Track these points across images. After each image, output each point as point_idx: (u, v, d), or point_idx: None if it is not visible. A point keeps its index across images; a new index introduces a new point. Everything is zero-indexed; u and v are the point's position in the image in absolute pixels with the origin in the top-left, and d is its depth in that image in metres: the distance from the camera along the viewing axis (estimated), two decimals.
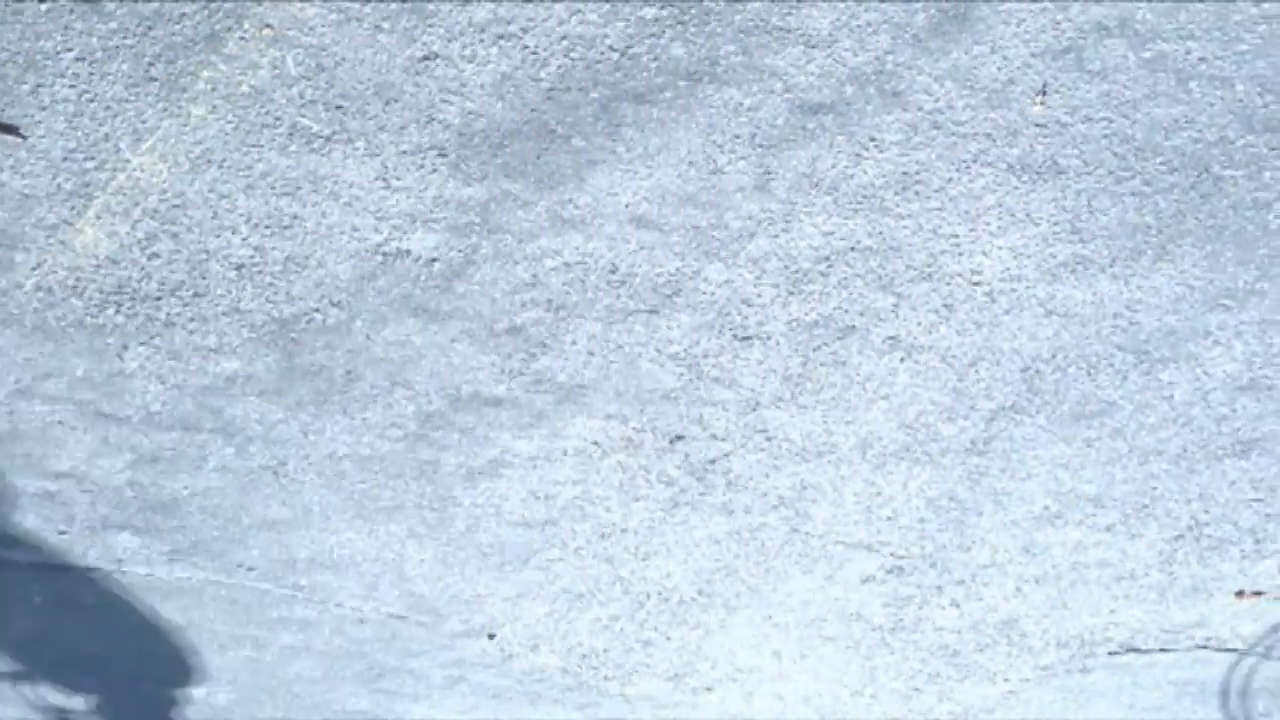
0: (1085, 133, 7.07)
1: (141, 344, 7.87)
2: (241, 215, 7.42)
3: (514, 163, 7.25)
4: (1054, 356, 7.86)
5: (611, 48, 6.90)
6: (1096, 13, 6.70)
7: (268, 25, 6.85)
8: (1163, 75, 6.88)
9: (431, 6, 6.77)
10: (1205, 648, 9.21)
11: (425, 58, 6.93)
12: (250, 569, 9.08)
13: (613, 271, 7.62)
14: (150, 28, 6.83)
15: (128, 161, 7.22)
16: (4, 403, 8.18)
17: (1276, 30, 6.69)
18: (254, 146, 7.20)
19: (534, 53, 6.90)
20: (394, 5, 6.77)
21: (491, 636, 9.44)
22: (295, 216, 7.43)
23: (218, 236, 7.49)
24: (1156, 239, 7.38)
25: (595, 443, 8.35)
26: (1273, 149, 7.04)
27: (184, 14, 6.80)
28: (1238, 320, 7.65)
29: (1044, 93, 7.07)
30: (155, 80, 6.98)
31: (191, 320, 7.79)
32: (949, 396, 8.08)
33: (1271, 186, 7.16)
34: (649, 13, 6.78)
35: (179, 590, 9.25)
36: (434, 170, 7.27)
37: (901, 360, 7.92)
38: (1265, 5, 6.63)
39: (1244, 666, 9.32)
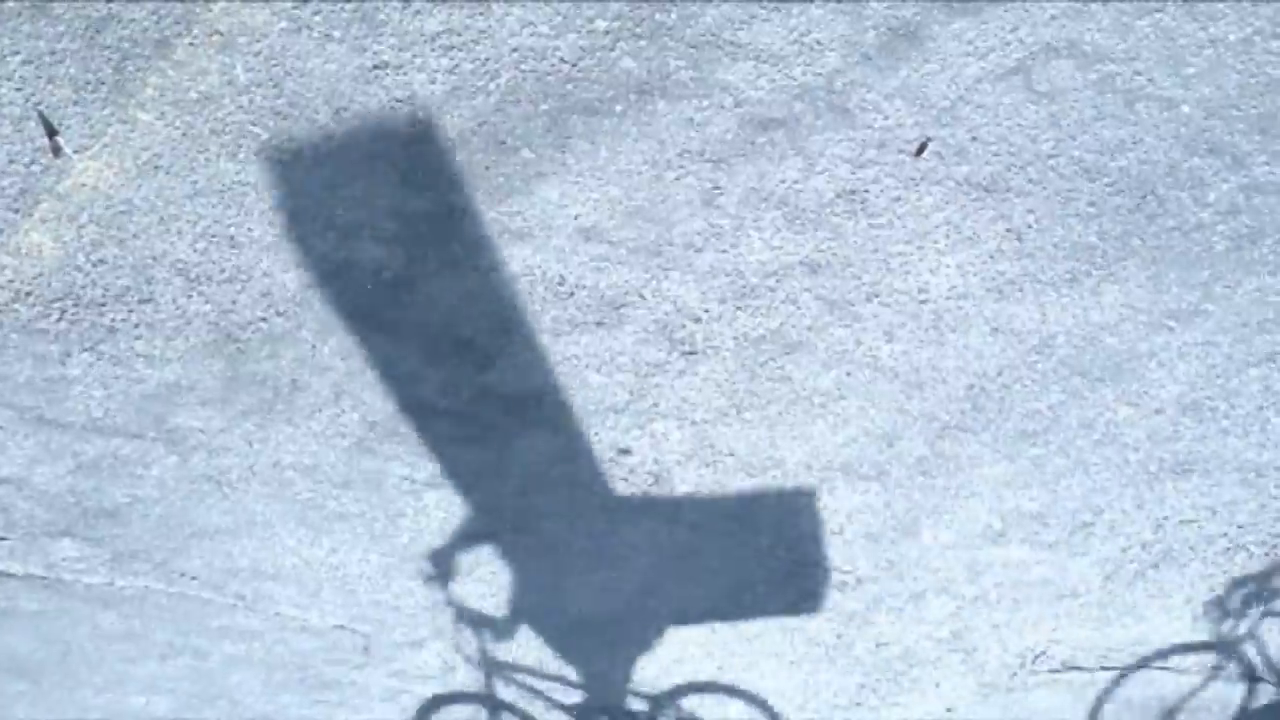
0: (1032, 152, 7.10)
1: (85, 350, 7.82)
2: (188, 222, 7.39)
3: (463, 174, 7.25)
4: (999, 375, 7.89)
5: (562, 60, 6.91)
6: (1045, 34, 6.75)
7: (217, 32, 6.82)
8: (1110, 97, 6.93)
9: (382, 16, 6.76)
10: (1146, 666, 9.25)
11: (375, 67, 6.91)
12: (192, 577, 9.03)
13: (560, 284, 7.62)
14: (98, 32, 6.80)
15: (74, 166, 7.18)
16: None
17: (1222, 54, 6.75)
18: (202, 153, 7.17)
19: (484, 64, 6.90)
20: (345, 14, 6.75)
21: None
22: (242, 224, 7.40)
23: (164, 243, 7.45)
24: (1101, 259, 7.42)
25: (540, 456, 8.34)
26: (1217, 172, 7.10)
27: (133, 19, 6.77)
28: (1181, 341, 7.70)
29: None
30: (103, 85, 6.94)
31: (136, 327, 7.74)
32: (895, 414, 8.10)
33: (1216, 209, 7.21)
34: (600, 25, 6.79)
35: (120, 598, 9.18)
36: (383, 180, 7.26)
37: (848, 376, 7.94)
38: (1211, 29, 6.69)
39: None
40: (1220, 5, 6.65)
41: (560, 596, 9.10)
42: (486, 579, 9.00)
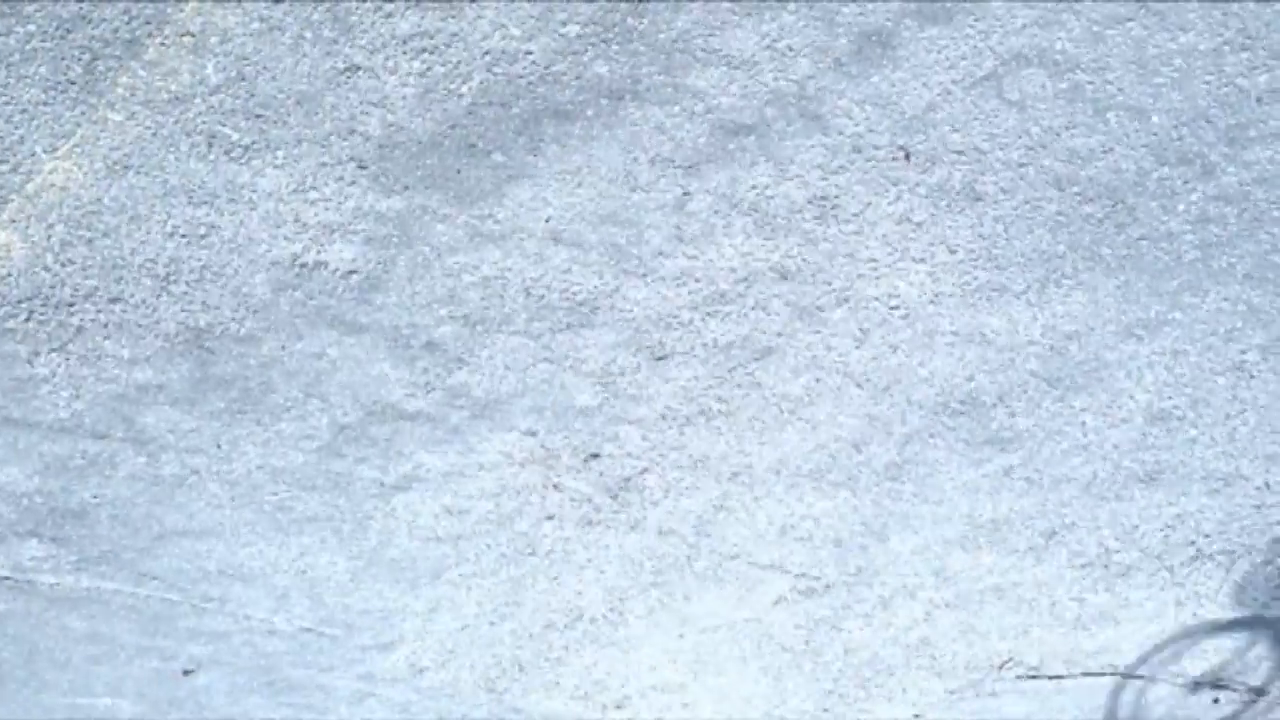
0: (1003, 160, 7.12)
1: (54, 350, 7.80)
2: (158, 223, 7.37)
3: (434, 176, 7.24)
4: (969, 382, 7.91)
5: (534, 64, 6.90)
6: (1016, 42, 6.76)
7: (189, 32, 6.81)
8: (1080, 105, 6.95)
9: (354, 18, 6.75)
10: (1113, 674, 9.27)
11: (347, 69, 6.91)
12: (159, 579, 9.00)
13: (531, 287, 7.61)
14: (69, 31, 6.78)
15: (43, 166, 7.15)
16: None
17: (1192, 64, 6.77)
18: (172, 154, 7.15)
19: (456, 67, 6.90)
20: (316, 16, 6.74)
21: None
22: (212, 225, 7.39)
23: (133, 244, 7.43)
24: (1071, 268, 7.44)
25: (510, 458, 8.33)
26: (1186, 181, 7.12)
27: (104, 18, 6.75)
28: (1149, 350, 7.72)
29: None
30: (73, 84, 6.92)
31: (105, 327, 7.72)
32: (864, 420, 8.11)
33: (1185, 218, 7.24)
34: (572, 30, 6.79)
35: (86, 599, 9.15)
36: (353, 182, 7.24)
37: (817, 383, 7.95)
38: (1182, 39, 6.71)
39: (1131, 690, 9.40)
40: (1191, 16, 6.68)
41: (531, 599, 9.09)
42: (456, 581, 8.99)
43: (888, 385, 7.96)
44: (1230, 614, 8.87)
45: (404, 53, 6.86)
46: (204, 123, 7.07)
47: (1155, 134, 7.00)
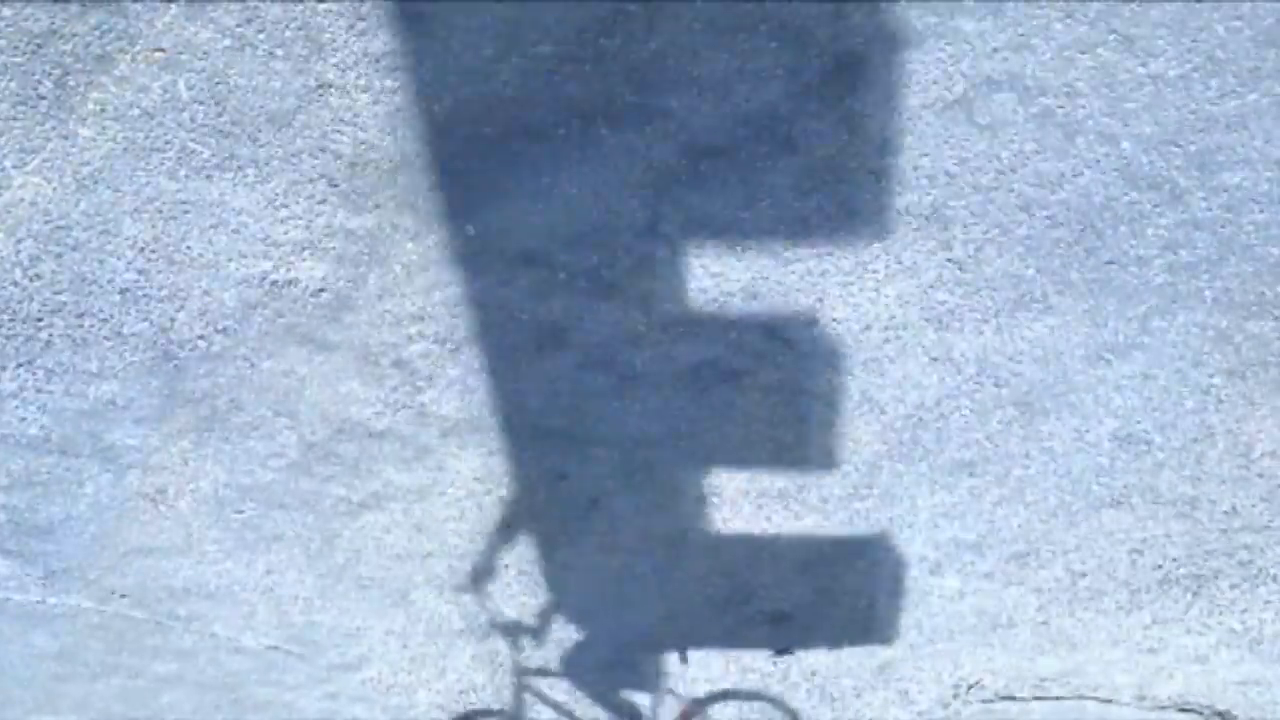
0: (973, 184, 7.14)
1: (20, 365, 7.77)
2: (127, 239, 7.35)
3: (405, 195, 7.23)
4: (937, 405, 7.92)
5: (506, 84, 6.90)
6: (987, 67, 6.78)
7: (160, 49, 6.79)
8: (1050, 130, 6.97)
9: (327, 36, 6.75)
10: (1079, 697, 9.28)
11: (319, 87, 6.90)
12: (125, 596, 8.96)
13: (501, 308, 7.60)
14: (40, 46, 6.76)
15: (12, 180, 7.13)
16: None
17: (1162, 90, 6.80)
18: (142, 170, 7.14)
19: (428, 86, 6.89)
20: (289, 33, 6.74)
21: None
22: (182, 242, 7.37)
23: (102, 260, 7.41)
24: (1040, 291, 7.46)
25: (478, 478, 8.32)
26: (1155, 206, 7.15)
27: (75, 34, 6.73)
28: (1118, 374, 7.74)
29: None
30: (44, 99, 6.90)
31: (73, 343, 7.69)
32: (832, 442, 8.11)
33: (1153, 243, 7.26)
34: (545, 50, 6.79)
35: (52, 616, 9.11)
36: (324, 200, 7.24)
37: (785, 405, 7.95)
38: (1151, 65, 6.74)
39: None
40: (1160, 42, 6.71)
41: (499, 619, 9.07)
42: (423, 601, 8.97)
43: (856, 408, 7.96)
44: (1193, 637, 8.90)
45: (376, 71, 6.86)
46: (174, 139, 7.06)
47: (1125, 159, 7.03)
